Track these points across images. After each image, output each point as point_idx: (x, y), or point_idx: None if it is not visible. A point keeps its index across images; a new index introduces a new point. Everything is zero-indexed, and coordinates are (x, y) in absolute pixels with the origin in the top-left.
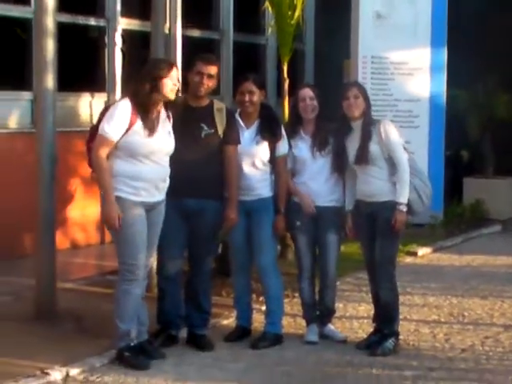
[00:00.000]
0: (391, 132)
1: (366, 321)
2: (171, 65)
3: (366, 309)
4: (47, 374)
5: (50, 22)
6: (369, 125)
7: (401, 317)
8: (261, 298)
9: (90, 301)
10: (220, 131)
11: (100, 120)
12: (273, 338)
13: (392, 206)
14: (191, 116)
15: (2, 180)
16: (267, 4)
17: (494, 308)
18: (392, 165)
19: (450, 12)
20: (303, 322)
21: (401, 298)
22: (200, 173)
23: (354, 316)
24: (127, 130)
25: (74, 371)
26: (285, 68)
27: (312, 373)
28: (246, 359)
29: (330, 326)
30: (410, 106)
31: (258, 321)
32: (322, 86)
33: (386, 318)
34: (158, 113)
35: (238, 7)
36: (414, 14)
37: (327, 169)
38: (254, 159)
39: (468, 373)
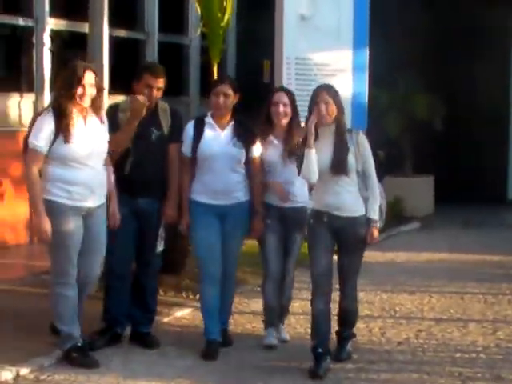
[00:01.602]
0: (367, 144)
1: (302, 316)
2: (84, 70)
3: (301, 305)
4: None
5: None
6: (344, 133)
7: (334, 312)
8: (197, 296)
9: (28, 300)
10: (166, 131)
11: (30, 131)
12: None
13: (363, 221)
14: (142, 120)
15: None
16: (196, 6)
17: (423, 302)
18: (362, 178)
19: (373, 14)
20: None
21: (332, 295)
22: (152, 174)
23: (291, 312)
24: (55, 138)
25: (24, 370)
26: (215, 69)
27: (258, 368)
28: (193, 356)
29: (281, 326)
30: None
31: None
32: (243, 86)
33: (347, 322)
34: (85, 118)
35: (163, 8)
36: (336, 16)
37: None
38: (232, 161)
39: (406, 364)
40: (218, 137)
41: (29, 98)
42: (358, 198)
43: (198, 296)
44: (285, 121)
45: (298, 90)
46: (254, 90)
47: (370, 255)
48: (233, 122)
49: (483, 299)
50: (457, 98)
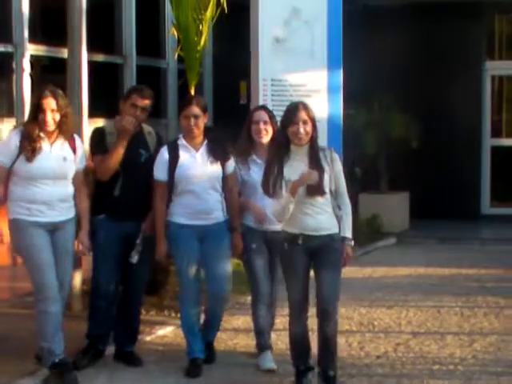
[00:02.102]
0: (339, 162)
1: (283, 332)
2: (44, 96)
3: (282, 321)
4: None
5: None
6: (318, 152)
7: (314, 327)
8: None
9: (12, 322)
10: (153, 153)
11: None
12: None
13: (338, 237)
14: (129, 142)
15: None
16: (172, 30)
17: (401, 317)
18: (335, 197)
19: (347, 35)
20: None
21: (312, 311)
22: (143, 196)
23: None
24: (18, 156)
25: None
26: (192, 91)
27: None
28: (176, 374)
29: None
30: None
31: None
32: (221, 107)
33: (329, 354)
34: (51, 140)
35: (140, 32)
36: (310, 38)
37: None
38: (210, 181)
39: (386, 378)
40: (193, 158)
41: (9, 123)
42: (332, 216)
43: (179, 314)
44: (266, 139)
45: (274, 111)
46: (232, 111)
47: (347, 271)
48: (206, 142)
49: (460, 312)
50: (431, 117)
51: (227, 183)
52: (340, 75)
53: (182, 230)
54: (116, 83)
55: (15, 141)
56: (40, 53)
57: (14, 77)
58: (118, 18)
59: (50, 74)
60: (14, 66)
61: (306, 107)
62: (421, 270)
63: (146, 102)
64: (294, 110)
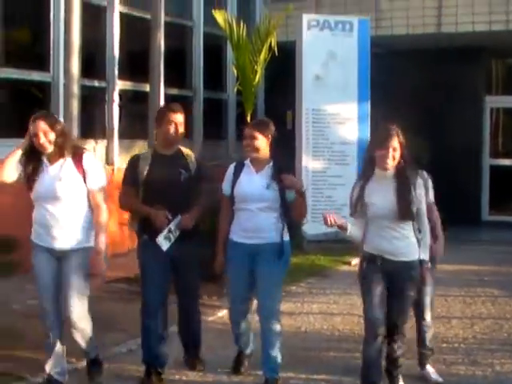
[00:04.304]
0: (422, 186)
1: (319, 316)
2: (33, 121)
3: (318, 307)
4: None
5: None
6: (408, 177)
7: (344, 312)
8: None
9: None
10: (193, 174)
11: None
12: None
13: (417, 264)
14: (167, 162)
15: None
16: (232, 68)
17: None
18: (416, 220)
19: (373, 73)
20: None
21: (342, 298)
22: (181, 214)
23: (310, 312)
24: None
25: None
26: (248, 119)
27: None
28: (233, 347)
29: None
30: (342, 148)
31: None
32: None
33: (393, 370)
34: (52, 162)
35: (207, 70)
36: (344, 75)
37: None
38: (264, 203)
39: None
40: (251, 178)
41: (102, 144)
42: (412, 243)
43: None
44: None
45: (314, 135)
46: (280, 135)
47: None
48: (270, 164)
49: (463, 300)
50: (440, 141)
51: (289, 208)
52: (368, 106)
53: (235, 246)
54: (187, 112)
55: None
56: (127, 87)
57: (106, 107)
58: (190, 58)
59: (135, 105)
60: (106, 98)
61: (398, 133)
62: None
63: (179, 116)
64: (386, 134)
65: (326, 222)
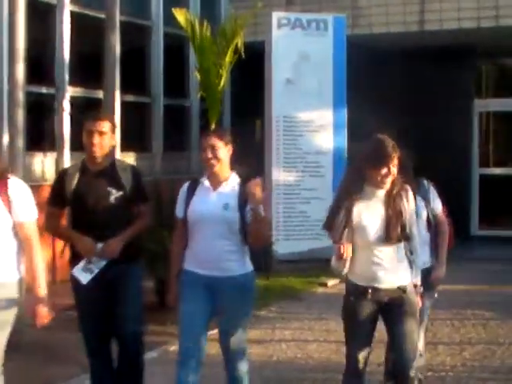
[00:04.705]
0: (413, 202)
1: (292, 343)
2: None
3: (290, 333)
4: None
5: None
6: (398, 195)
7: (320, 339)
8: None
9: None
10: (128, 191)
11: None
12: None
13: (411, 289)
14: (93, 180)
15: None
16: (196, 73)
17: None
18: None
19: (351, 75)
20: None
21: (317, 323)
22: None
23: (282, 339)
24: None
25: None
26: (213, 127)
27: None
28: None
29: None
30: (317, 158)
31: None
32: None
33: None
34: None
35: (167, 75)
36: (318, 79)
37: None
38: (223, 226)
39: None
40: (207, 197)
41: (51, 157)
42: (406, 266)
43: None
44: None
45: (286, 145)
46: (248, 147)
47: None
48: (231, 180)
49: (451, 324)
50: (426, 148)
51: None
52: (344, 112)
53: (190, 277)
54: (145, 121)
55: None
56: (78, 94)
57: (55, 116)
58: (148, 62)
59: (87, 114)
60: (55, 105)
61: (395, 147)
62: None
63: (101, 124)
64: (385, 151)
65: (339, 256)
